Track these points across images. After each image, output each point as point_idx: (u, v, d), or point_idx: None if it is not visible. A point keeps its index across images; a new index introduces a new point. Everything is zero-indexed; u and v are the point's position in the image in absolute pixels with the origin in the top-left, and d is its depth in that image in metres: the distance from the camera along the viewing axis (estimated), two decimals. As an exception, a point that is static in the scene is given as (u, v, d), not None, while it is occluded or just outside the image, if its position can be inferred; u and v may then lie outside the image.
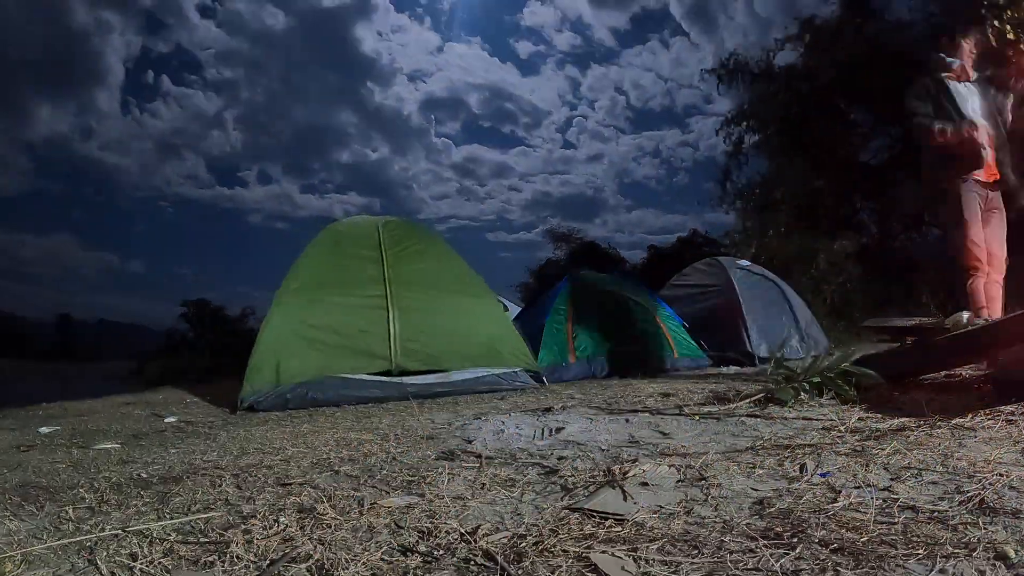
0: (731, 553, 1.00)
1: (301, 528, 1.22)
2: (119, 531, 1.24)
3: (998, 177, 3.38)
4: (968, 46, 3.51)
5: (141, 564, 1.07)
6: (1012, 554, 0.92)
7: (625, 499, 1.30)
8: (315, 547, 1.11)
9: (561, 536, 1.11)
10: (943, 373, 2.96)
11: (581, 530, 1.14)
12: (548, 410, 2.68)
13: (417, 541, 1.13)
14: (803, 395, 2.51)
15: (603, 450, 1.86)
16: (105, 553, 1.13)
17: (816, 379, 2.56)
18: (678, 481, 1.44)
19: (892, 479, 1.37)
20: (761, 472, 1.49)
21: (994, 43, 7.35)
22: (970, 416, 1.94)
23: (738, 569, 0.94)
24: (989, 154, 3.34)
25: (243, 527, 1.23)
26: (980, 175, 3.34)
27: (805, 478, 1.41)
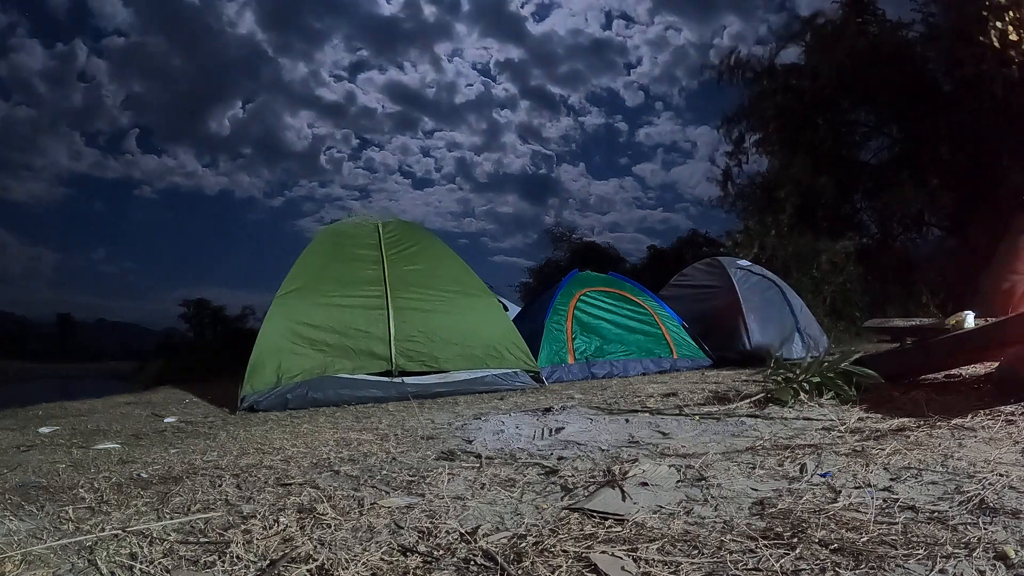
0: (731, 553, 1.00)
1: (301, 528, 1.22)
2: (119, 531, 1.24)
3: None
4: None
5: (141, 564, 1.07)
6: (1012, 554, 0.92)
7: (625, 499, 1.30)
8: (315, 547, 1.11)
9: (561, 536, 1.11)
10: (943, 373, 2.96)
11: (581, 530, 1.14)
12: (548, 410, 2.68)
13: (417, 541, 1.13)
14: (803, 395, 2.50)
15: (603, 450, 1.86)
16: (105, 553, 1.13)
17: (816, 379, 2.56)
18: (678, 481, 1.44)
19: (892, 479, 1.37)
20: (761, 472, 1.49)
21: (996, 44, 7.36)
22: (970, 416, 1.94)
23: (738, 569, 0.94)
24: None
25: (243, 527, 1.23)
26: None
27: (805, 478, 1.41)
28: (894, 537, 1.02)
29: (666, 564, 0.98)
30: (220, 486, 1.60)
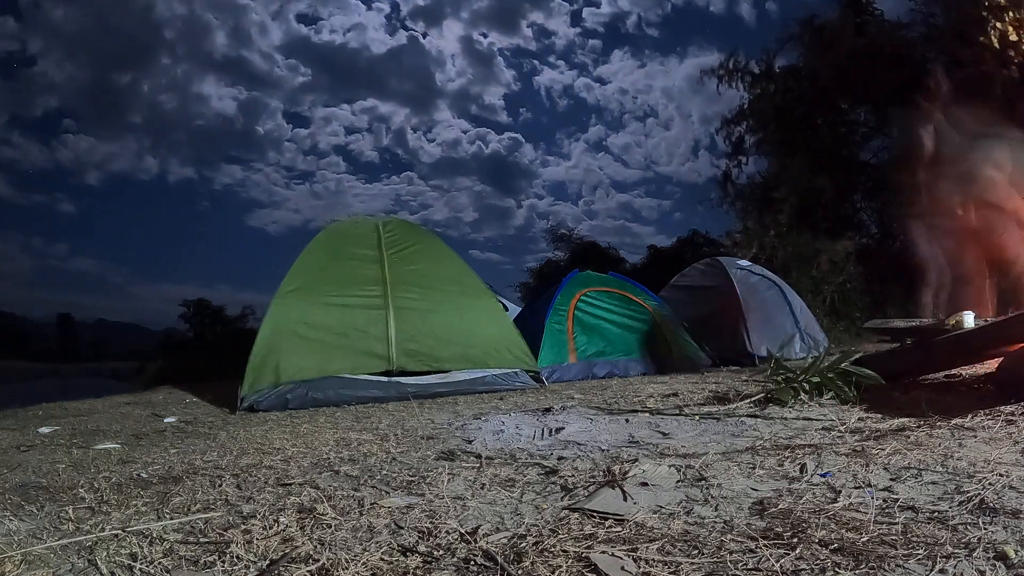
0: (731, 553, 1.00)
1: (301, 528, 1.22)
2: (119, 531, 1.24)
3: None
4: None
5: (141, 564, 1.07)
6: (1012, 554, 0.92)
7: (625, 499, 1.30)
8: (315, 547, 1.11)
9: (561, 536, 1.11)
10: (943, 373, 2.96)
11: (581, 530, 1.14)
12: (548, 410, 2.68)
13: (417, 541, 1.13)
14: (803, 395, 2.51)
15: (603, 450, 1.86)
16: (105, 553, 1.13)
17: (816, 379, 2.56)
18: (678, 481, 1.44)
19: (892, 479, 1.37)
20: (761, 472, 1.49)
21: (996, 44, 7.37)
22: (970, 416, 1.95)
23: (738, 569, 0.94)
24: None
25: (243, 527, 1.23)
26: None
27: (805, 478, 1.41)
28: (894, 537, 1.02)
29: (666, 564, 0.98)
30: (220, 486, 1.60)
